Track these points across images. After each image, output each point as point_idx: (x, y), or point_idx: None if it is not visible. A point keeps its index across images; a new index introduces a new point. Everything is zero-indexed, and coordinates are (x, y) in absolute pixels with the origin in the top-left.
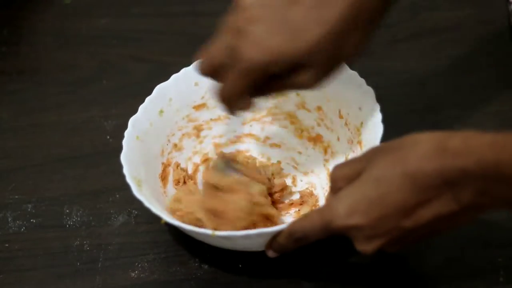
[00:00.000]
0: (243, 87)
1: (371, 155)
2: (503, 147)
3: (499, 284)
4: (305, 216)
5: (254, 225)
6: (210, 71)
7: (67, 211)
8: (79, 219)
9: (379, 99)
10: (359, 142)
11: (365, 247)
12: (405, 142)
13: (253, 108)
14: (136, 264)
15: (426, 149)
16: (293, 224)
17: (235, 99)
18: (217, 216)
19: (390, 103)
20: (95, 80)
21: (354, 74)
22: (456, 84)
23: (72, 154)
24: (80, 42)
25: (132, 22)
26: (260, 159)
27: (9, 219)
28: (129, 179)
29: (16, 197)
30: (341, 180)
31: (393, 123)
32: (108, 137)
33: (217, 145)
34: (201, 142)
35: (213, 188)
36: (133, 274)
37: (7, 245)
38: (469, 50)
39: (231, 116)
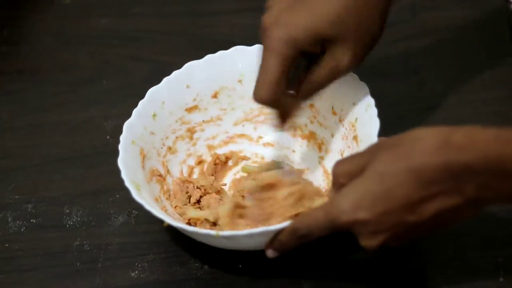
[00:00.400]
0: (277, 68)
1: (374, 151)
2: (507, 142)
3: (499, 284)
4: (308, 213)
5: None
6: None
7: (67, 211)
8: (79, 219)
9: (378, 99)
10: (355, 138)
11: (370, 242)
12: (408, 137)
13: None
14: (136, 264)
15: (429, 144)
16: (296, 221)
17: (274, 85)
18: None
19: (390, 103)
20: (95, 80)
21: None
22: (456, 84)
23: (72, 154)
24: (80, 42)
25: (132, 22)
26: (254, 158)
27: (9, 219)
28: (128, 184)
29: (16, 197)
30: (343, 176)
31: (393, 123)
32: (108, 137)
33: (210, 147)
34: (194, 144)
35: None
36: (133, 274)
37: (7, 245)
38: (469, 50)
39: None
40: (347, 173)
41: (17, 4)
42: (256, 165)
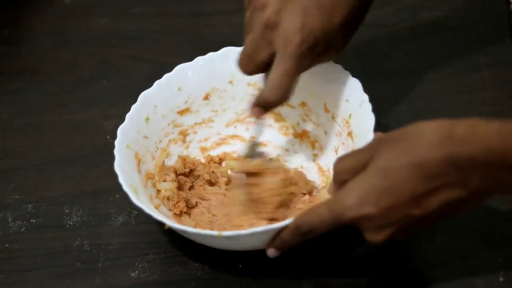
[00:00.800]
0: (294, 70)
1: (376, 146)
2: (510, 135)
3: (499, 284)
4: (311, 209)
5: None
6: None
7: (67, 211)
8: (79, 219)
9: (378, 99)
10: (350, 134)
11: (376, 237)
12: (410, 131)
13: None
14: (136, 264)
15: (432, 138)
16: (299, 218)
17: (289, 85)
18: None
19: (390, 103)
20: (95, 80)
21: (338, 67)
22: (455, 84)
23: (72, 154)
24: (80, 42)
25: (132, 22)
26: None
27: (9, 219)
28: (126, 188)
29: (16, 197)
30: (345, 172)
31: (393, 123)
32: (108, 137)
33: (203, 149)
34: (187, 147)
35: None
36: (133, 274)
37: (7, 245)
38: (469, 50)
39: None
40: (349, 169)
41: (18, 5)
42: (237, 161)
